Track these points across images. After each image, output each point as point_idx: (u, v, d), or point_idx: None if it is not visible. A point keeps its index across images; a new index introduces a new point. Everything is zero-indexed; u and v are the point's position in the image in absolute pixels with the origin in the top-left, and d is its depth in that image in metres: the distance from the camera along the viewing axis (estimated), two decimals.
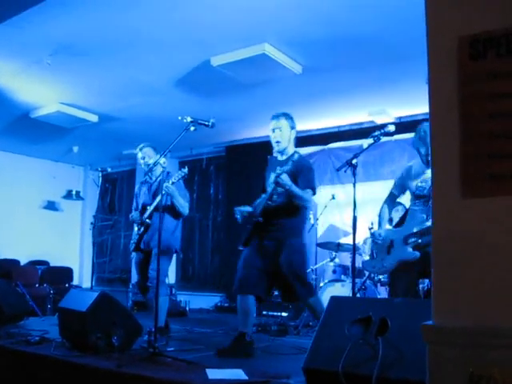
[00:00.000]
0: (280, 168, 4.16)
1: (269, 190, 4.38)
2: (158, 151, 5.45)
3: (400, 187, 4.35)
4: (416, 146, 4.12)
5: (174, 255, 5.61)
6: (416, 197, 4.12)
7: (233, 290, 4.57)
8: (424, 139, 3.95)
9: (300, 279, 4.33)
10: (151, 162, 5.30)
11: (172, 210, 5.27)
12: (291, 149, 4.54)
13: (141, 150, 5.58)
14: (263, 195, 4.46)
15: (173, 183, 4.98)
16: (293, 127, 4.53)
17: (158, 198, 4.99)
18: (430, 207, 3.81)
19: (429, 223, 3.85)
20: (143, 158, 5.54)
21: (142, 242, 5.42)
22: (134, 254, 5.64)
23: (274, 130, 4.50)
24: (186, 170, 4.98)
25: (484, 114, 1.63)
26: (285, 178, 4.14)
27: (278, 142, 4.46)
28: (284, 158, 4.50)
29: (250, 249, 4.45)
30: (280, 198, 4.37)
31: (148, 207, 5.37)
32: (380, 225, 4.37)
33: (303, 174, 4.34)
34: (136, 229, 5.54)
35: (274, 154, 4.61)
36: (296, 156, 4.34)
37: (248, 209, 4.51)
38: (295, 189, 4.22)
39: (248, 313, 4.37)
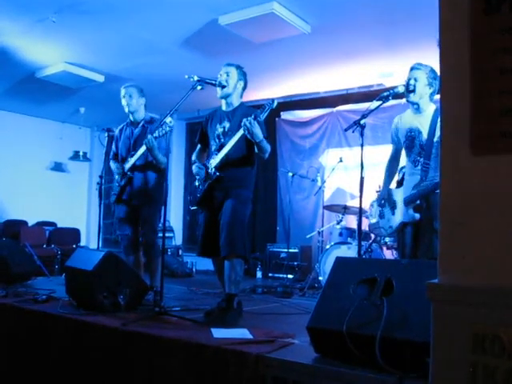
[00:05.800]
0: (247, 119, 3.95)
1: (231, 142, 4.14)
2: (144, 94, 5.17)
3: (396, 142, 4.32)
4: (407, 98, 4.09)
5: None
6: (407, 149, 4.10)
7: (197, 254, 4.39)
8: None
9: (238, 230, 4.05)
10: (134, 102, 5.08)
11: (153, 165, 5.03)
12: (237, 100, 4.36)
13: (125, 87, 5.16)
14: (214, 152, 4.25)
15: (156, 138, 4.64)
16: (241, 79, 4.35)
17: (140, 151, 4.85)
18: (422, 167, 3.85)
19: (425, 184, 3.87)
20: (125, 97, 5.11)
21: (124, 193, 5.26)
22: (116, 208, 5.46)
23: (221, 75, 4.33)
24: (172, 124, 4.36)
25: (496, 70, 1.59)
26: (258, 132, 3.95)
27: (223, 86, 4.25)
28: (230, 109, 4.34)
29: (206, 208, 4.32)
30: (234, 150, 4.18)
31: (129, 158, 5.08)
32: (385, 185, 4.37)
33: (261, 126, 4.10)
34: (117, 178, 5.32)
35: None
36: (247, 108, 4.28)
37: (201, 166, 4.35)
38: (265, 144, 4.09)
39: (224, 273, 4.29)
